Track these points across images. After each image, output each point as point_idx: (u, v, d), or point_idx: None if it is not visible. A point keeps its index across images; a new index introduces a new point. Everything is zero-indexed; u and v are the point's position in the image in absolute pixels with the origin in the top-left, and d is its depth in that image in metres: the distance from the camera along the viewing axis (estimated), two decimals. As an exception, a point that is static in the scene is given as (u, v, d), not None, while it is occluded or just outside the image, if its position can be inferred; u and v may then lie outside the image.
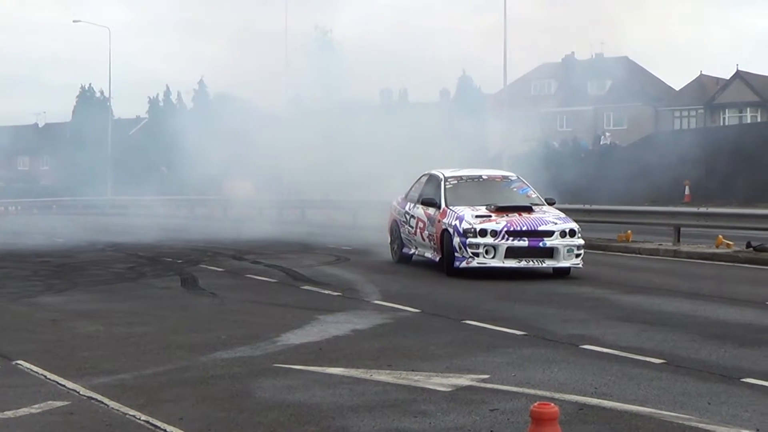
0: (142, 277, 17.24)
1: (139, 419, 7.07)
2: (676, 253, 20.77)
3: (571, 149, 53.98)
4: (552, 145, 57.68)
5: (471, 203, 16.85)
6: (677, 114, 68.33)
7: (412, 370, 8.63)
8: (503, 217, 16.26)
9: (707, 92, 68.10)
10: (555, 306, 12.92)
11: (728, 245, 20.84)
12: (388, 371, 8.62)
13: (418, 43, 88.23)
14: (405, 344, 10.11)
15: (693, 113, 67.81)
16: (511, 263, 15.98)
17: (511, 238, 15.92)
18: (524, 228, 16.01)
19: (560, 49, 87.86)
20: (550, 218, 16.41)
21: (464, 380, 8.23)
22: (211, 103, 66.45)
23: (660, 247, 21.61)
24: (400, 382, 8.21)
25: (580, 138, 58.44)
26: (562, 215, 16.86)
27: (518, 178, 18.33)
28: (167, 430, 6.83)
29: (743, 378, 8.34)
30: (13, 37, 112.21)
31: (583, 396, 7.67)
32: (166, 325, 11.59)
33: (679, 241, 22.21)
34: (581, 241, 16.25)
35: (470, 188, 17.59)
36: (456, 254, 16.14)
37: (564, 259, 15.99)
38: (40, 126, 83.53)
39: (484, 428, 6.82)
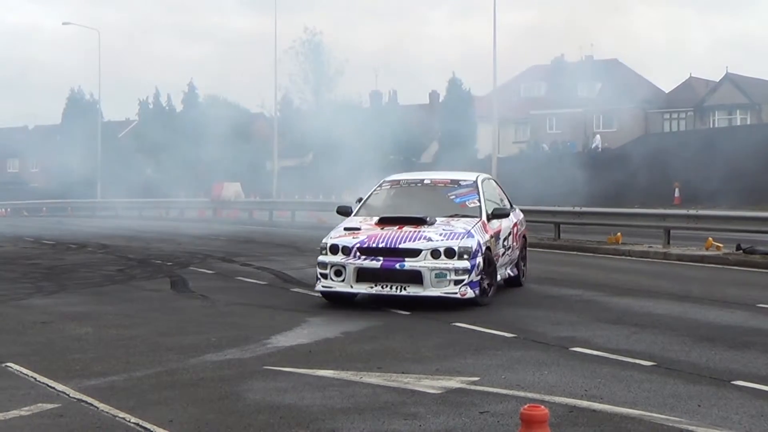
0: (132, 279, 17.20)
1: (129, 421, 7.06)
2: (666, 256, 20.81)
3: (561, 152, 54.04)
4: (542, 148, 57.77)
5: (392, 212, 13.97)
6: (667, 116, 68.49)
7: (402, 373, 8.63)
8: (374, 230, 13.24)
9: (697, 94, 68.27)
10: (544, 308, 12.93)
11: (718, 247, 20.90)
12: (378, 373, 8.62)
13: (409, 46, 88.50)
14: (395, 346, 10.11)
15: (683, 115, 67.96)
16: (362, 288, 12.84)
17: (363, 257, 12.82)
18: (381, 245, 12.80)
19: (550, 51, 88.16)
20: (433, 233, 12.95)
21: (454, 382, 8.23)
22: (200, 105, 66.47)
23: (650, 249, 21.65)
24: (389, 384, 8.21)
25: (567, 140, 58.53)
26: (462, 230, 13.11)
27: (474, 182, 14.60)
28: (157, 432, 6.83)
29: (733, 380, 8.36)
30: (3, 40, 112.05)
31: (574, 398, 7.67)
32: (156, 327, 11.56)
33: (669, 243, 22.27)
34: (465, 264, 12.64)
35: (400, 195, 14.70)
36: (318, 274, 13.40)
37: (433, 287, 12.58)
38: (29, 128, 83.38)
39: (473, 430, 6.82)
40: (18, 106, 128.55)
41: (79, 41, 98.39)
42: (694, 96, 68.11)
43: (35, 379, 8.52)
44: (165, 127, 58.79)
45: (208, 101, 66.89)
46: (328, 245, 13.09)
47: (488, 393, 7.88)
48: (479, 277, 12.80)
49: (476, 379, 8.38)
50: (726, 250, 20.57)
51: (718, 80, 67.78)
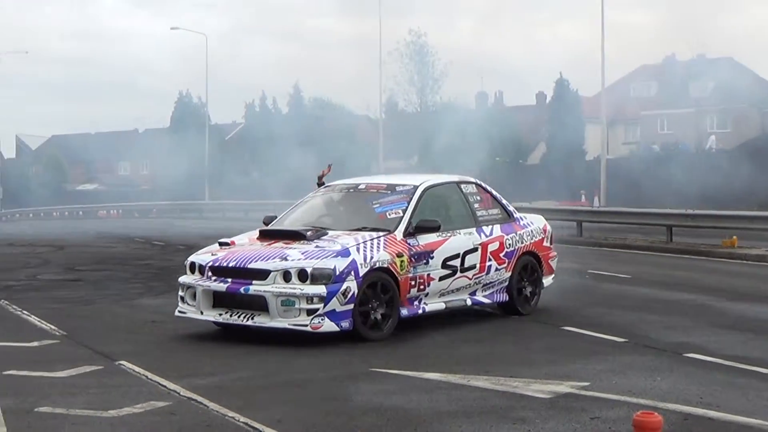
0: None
1: (238, 421, 7.10)
2: (785, 260, 20.18)
3: (673, 153, 52.93)
4: (653, 149, 56.71)
5: (312, 222, 11.84)
6: (785, 115, 66.44)
7: (511, 377, 8.51)
8: (246, 246, 11.24)
9: (817, 93, 66.05)
10: (657, 312, 12.64)
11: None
12: (485, 377, 8.52)
13: (515, 46, 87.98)
14: (503, 350, 10.01)
15: (801, 115, 65.89)
16: (210, 315, 10.76)
17: (214, 278, 10.77)
18: (231, 264, 10.72)
19: (660, 50, 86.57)
20: (297, 251, 10.63)
21: (564, 387, 8.09)
22: (306, 108, 67.03)
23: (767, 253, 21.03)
24: (498, 388, 8.10)
25: (679, 141, 57.33)
26: (338, 248, 10.57)
27: (412, 189, 11.88)
28: (265, 432, 6.85)
29: None
30: (114, 45, 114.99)
31: (688, 406, 7.46)
32: (263, 327, 11.62)
33: (787, 247, 21.59)
34: (319, 290, 10.17)
35: (324, 203, 12.58)
36: None
37: (280, 316, 10.25)
38: (140, 132, 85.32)
39: (585, 437, 6.68)
40: (129, 109, 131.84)
41: (187, 45, 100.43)
42: (813, 95, 65.94)
43: (147, 377, 8.65)
44: (271, 130, 59.45)
45: (314, 104, 67.48)
46: (188, 263, 11.19)
47: (599, 398, 7.71)
48: (350, 306, 10.30)
49: (586, 384, 8.21)
50: None
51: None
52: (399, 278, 10.86)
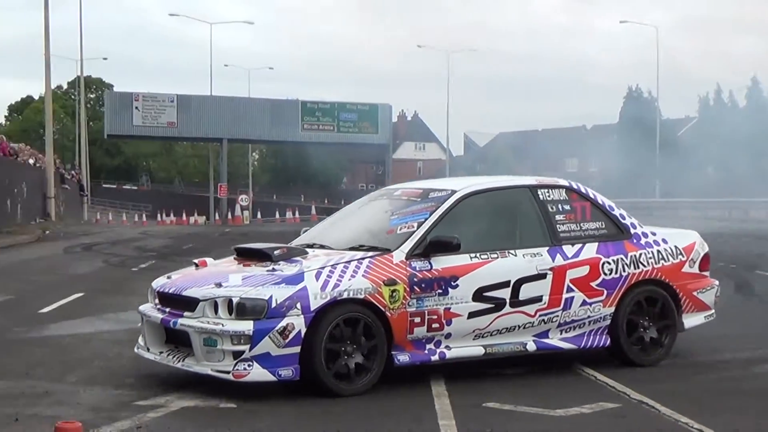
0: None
1: (692, 427, 6.84)
2: None
3: None
4: None
5: (324, 237, 9.45)
6: None
7: None
8: (215, 267, 9.11)
9: None
10: None
11: None
12: None
13: None
14: None
15: None
16: (153, 353, 8.60)
17: (159, 306, 8.74)
18: (171, 290, 8.61)
19: None
20: (239, 276, 8.34)
21: None
22: (766, 100, 63.91)
23: None
24: None
25: None
26: (292, 273, 8.12)
27: (446, 195, 8.95)
28: (722, 441, 6.53)
29: None
30: (560, 41, 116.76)
31: None
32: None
33: None
34: (244, 327, 7.76)
35: (353, 212, 10.12)
36: None
37: (204, 358, 7.97)
38: (587, 128, 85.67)
39: None
40: (577, 106, 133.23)
41: (636, 39, 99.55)
42: None
43: (596, 377, 8.60)
44: (727, 124, 57.19)
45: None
46: (149, 288, 9.19)
47: None
48: (293, 349, 7.80)
49: None
50: None
51: None
52: (387, 313, 8.18)
